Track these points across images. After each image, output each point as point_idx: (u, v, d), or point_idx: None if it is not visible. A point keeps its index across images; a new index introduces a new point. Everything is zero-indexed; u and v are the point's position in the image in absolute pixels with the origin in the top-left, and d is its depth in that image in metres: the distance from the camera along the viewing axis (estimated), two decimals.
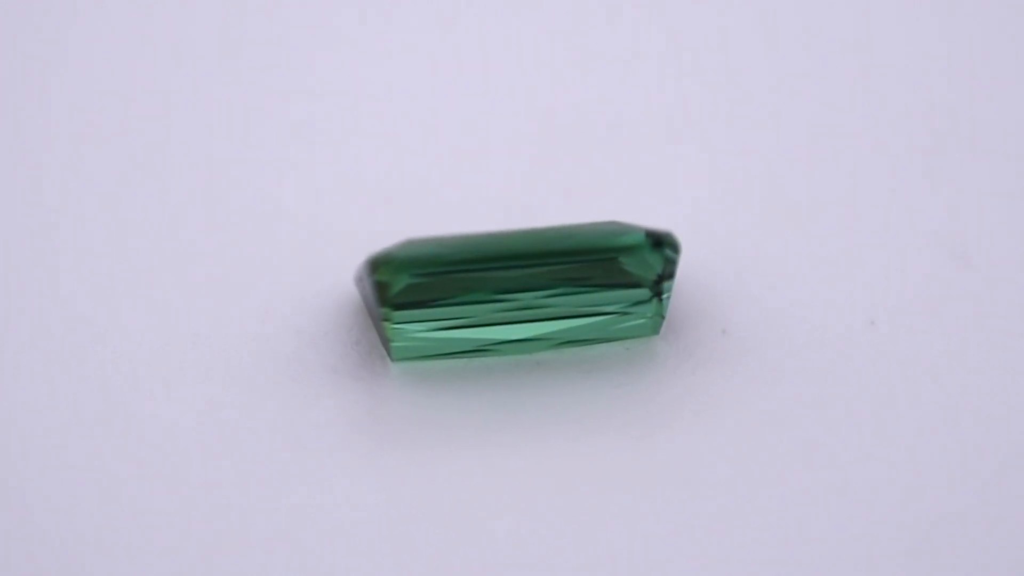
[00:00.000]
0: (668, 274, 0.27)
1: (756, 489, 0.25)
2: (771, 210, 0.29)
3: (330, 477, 0.26)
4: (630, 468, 0.26)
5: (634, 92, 0.32)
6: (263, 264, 0.29)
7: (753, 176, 0.30)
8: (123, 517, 0.25)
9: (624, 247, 0.27)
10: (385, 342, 0.27)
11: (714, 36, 0.33)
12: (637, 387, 0.27)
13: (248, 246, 0.29)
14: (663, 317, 0.27)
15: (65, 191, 0.30)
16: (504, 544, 0.25)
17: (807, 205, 0.30)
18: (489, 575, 0.25)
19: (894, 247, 0.29)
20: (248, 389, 0.27)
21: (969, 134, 0.30)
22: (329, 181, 0.31)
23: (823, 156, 0.31)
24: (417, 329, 0.27)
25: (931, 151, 0.30)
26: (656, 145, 0.31)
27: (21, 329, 0.27)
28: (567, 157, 0.31)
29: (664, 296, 0.27)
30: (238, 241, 0.30)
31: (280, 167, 0.31)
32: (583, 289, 0.27)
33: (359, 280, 0.27)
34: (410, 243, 0.27)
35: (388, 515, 0.25)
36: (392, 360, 0.27)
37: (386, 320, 0.27)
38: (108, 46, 0.33)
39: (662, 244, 0.27)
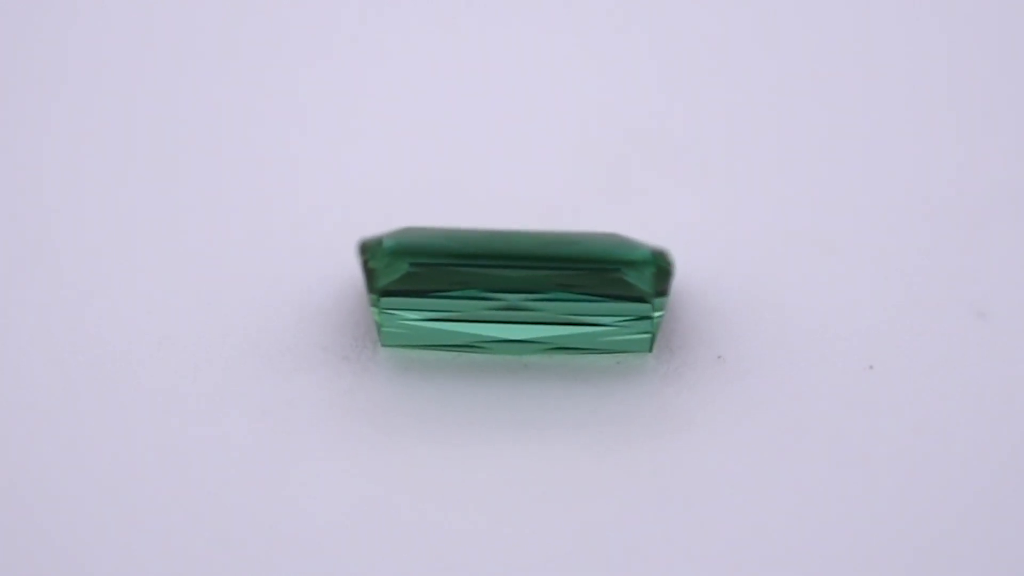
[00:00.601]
0: (663, 292, 0.26)
1: (727, 516, 0.25)
2: (786, 238, 0.29)
3: (301, 453, 0.26)
4: (601, 477, 0.26)
5: (647, 108, 0.32)
6: (269, 243, 0.29)
7: (768, 203, 0.30)
8: (103, 491, 0.25)
9: (628, 261, 0.26)
10: (377, 326, 0.27)
11: (725, 59, 0.33)
12: (621, 402, 0.26)
13: (254, 226, 0.30)
14: (654, 335, 0.27)
15: (65, 173, 0.31)
16: (462, 535, 0.25)
17: (821, 236, 0.29)
18: (444, 559, 0.25)
19: (901, 285, 0.28)
20: (236, 360, 0.27)
21: (994, 181, 0.30)
22: (336, 167, 0.31)
23: (833, 186, 0.30)
24: (406, 317, 0.27)
25: (949, 196, 0.30)
26: (665, 162, 0.31)
27: (20, 306, 0.28)
28: (572, 166, 0.31)
29: (658, 314, 0.26)
30: (244, 221, 0.30)
31: (288, 151, 0.32)
32: (579, 297, 0.26)
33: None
34: (407, 231, 0.27)
35: (355, 493, 0.25)
36: (382, 345, 0.27)
37: (374, 306, 0.26)
38: (108, 39, 0.33)
39: (662, 261, 0.27)
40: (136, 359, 0.27)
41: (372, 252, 0.27)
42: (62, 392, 0.26)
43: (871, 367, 0.26)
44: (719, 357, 0.27)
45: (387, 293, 0.26)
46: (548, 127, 0.32)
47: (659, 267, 0.26)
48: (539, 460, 0.26)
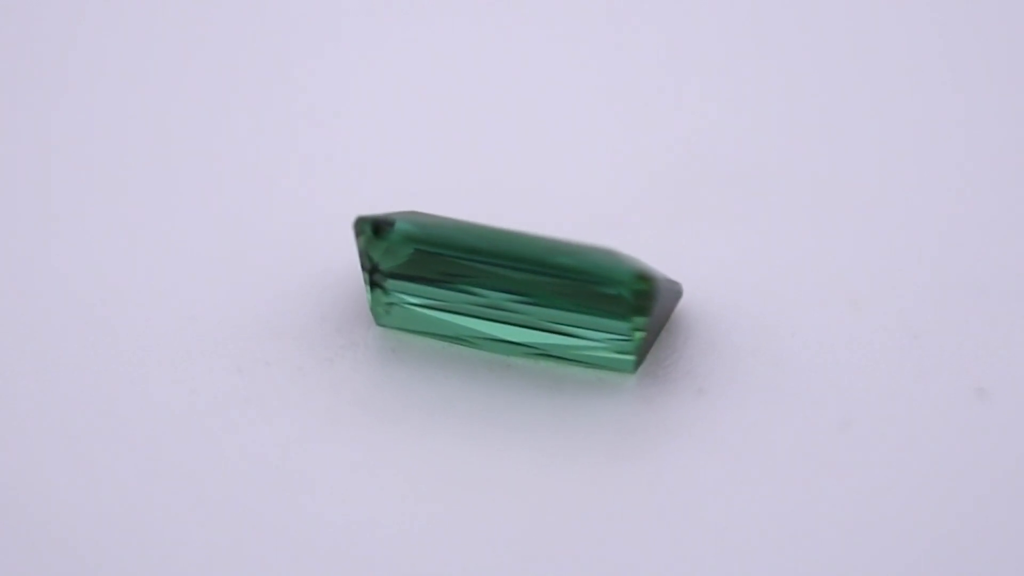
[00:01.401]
0: (642, 312, 0.26)
1: (678, 548, 0.25)
2: (801, 285, 0.28)
3: (287, 431, 0.26)
4: (557, 485, 0.26)
5: (685, 133, 0.32)
6: (261, 225, 0.30)
7: (791, 250, 0.29)
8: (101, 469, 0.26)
9: (608, 277, 0.26)
10: (371, 305, 0.27)
11: (748, 92, 0.32)
12: (591, 416, 0.26)
13: (246, 206, 0.30)
14: (638, 357, 0.27)
15: (71, 159, 0.31)
16: (413, 521, 0.25)
17: (839, 290, 0.29)
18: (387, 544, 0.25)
19: (897, 349, 0.27)
20: (232, 325, 0.28)
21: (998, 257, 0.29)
22: (346, 150, 0.31)
23: (855, 242, 0.29)
24: (402, 300, 0.27)
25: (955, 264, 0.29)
26: (704, 193, 0.31)
27: (30, 291, 0.28)
28: (606, 179, 0.31)
29: (638, 334, 0.26)
30: (239, 201, 0.30)
31: (299, 135, 0.32)
32: (563, 306, 0.26)
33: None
34: (414, 215, 0.27)
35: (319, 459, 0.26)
36: (376, 323, 0.27)
37: (372, 285, 0.27)
38: (114, 20, 0.34)
39: (642, 283, 0.26)
40: (125, 337, 0.27)
41: (377, 231, 0.27)
42: (64, 370, 0.27)
43: (848, 423, 0.26)
44: (699, 390, 0.27)
45: (378, 272, 0.27)
46: (589, 137, 0.32)
47: (639, 288, 0.26)
48: (500, 459, 0.26)
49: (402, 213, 0.27)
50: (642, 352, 0.27)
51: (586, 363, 0.27)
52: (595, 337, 0.26)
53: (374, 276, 0.27)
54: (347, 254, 0.29)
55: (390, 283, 0.27)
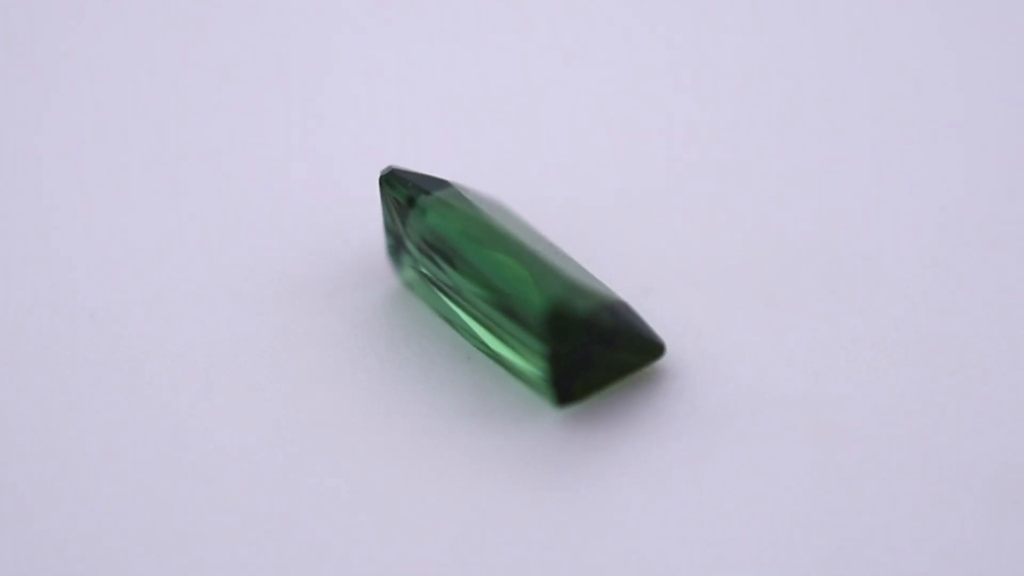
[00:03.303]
0: (551, 339, 0.26)
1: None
2: (775, 349, 0.28)
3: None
4: (470, 480, 0.26)
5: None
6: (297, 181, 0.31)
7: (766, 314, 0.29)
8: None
9: (530, 300, 0.26)
10: (391, 261, 0.29)
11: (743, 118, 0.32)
12: (516, 423, 0.27)
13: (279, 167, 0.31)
14: (556, 389, 0.26)
15: (96, 128, 0.32)
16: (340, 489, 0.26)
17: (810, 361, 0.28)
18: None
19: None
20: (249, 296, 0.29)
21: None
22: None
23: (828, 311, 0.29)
24: (404, 259, 0.28)
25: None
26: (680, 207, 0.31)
27: (49, 253, 0.29)
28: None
29: (542, 364, 0.26)
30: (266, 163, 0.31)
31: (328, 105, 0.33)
32: (510, 315, 0.26)
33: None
34: (449, 194, 0.27)
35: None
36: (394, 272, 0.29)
37: (386, 230, 0.28)
38: (115, 21, 0.34)
39: (560, 311, 0.26)
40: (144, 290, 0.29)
41: (415, 197, 0.27)
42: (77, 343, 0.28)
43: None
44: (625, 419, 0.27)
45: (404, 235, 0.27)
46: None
47: (553, 315, 0.25)
48: (419, 445, 0.27)
49: (429, 180, 0.28)
50: (565, 385, 0.26)
51: (519, 375, 0.27)
52: (515, 346, 0.26)
53: (392, 229, 0.28)
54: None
55: (405, 240, 0.28)
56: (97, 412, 0.27)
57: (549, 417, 0.27)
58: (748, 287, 0.29)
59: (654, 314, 0.28)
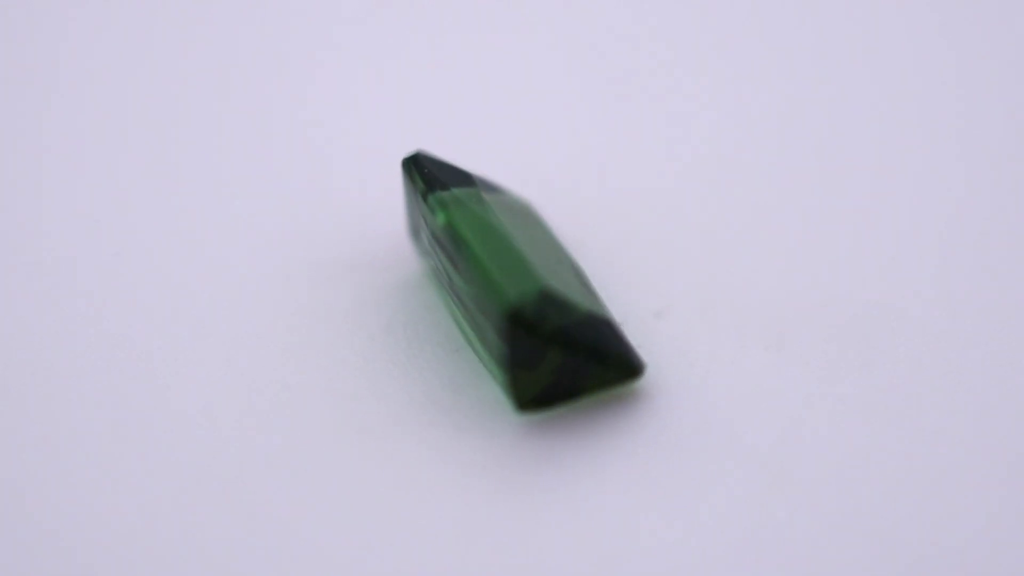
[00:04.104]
0: (508, 341, 0.25)
1: None
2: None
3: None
4: (436, 486, 0.26)
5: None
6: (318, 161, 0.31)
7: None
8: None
9: (501, 295, 0.25)
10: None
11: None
12: (468, 432, 0.26)
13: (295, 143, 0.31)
14: (515, 394, 0.26)
15: (108, 121, 0.32)
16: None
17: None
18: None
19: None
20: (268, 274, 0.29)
21: None
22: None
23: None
24: (420, 244, 0.28)
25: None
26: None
27: (65, 256, 0.29)
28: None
29: (507, 370, 0.25)
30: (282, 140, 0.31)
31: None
32: (486, 315, 0.26)
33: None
34: (456, 194, 0.27)
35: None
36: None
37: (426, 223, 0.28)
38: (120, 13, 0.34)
39: (522, 315, 0.25)
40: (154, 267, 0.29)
41: (429, 192, 0.27)
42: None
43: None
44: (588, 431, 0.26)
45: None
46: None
47: (514, 319, 0.25)
48: (376, 430, 0.26)
49: (451, 172, 0.27)
50: (522, 391, 0.26)
51: (493, 376, 0.26)
52: (495, 356, 0.26)
53: (412, 214, 0.28)
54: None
55: (422, 228, 0.28)
56: (103, 396, 0.27)
57: (512, 422, 0.26)
58: (759, 327, 0.27)
59: (655, 336, 0.27)
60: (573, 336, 0.25)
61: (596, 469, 0.26)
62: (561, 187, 0.30)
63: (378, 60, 0.33)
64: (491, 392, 0.27)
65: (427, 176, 0.27)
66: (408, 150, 0.29)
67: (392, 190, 0.30)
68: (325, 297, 0.28)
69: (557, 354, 0.25)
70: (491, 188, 0.28)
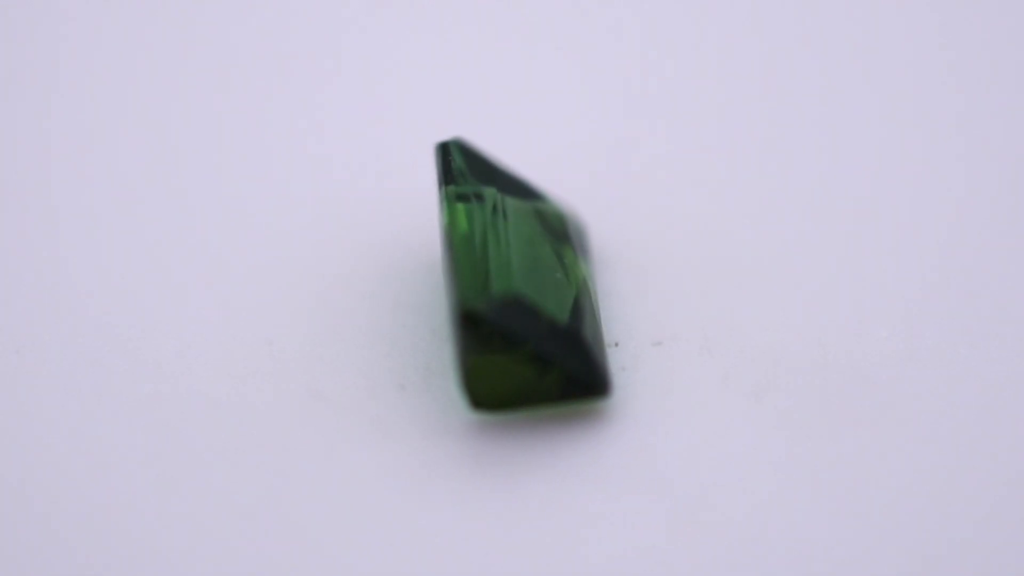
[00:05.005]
0: (458, 339, 0.25)
1: None
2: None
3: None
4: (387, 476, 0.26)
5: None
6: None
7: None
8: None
9: (467, 290, 0.25)
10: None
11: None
12: (434, 426, 0.26)
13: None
14: (468, 392, 0.25)
15: (130, 132, 0.32)
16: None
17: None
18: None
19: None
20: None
21: None
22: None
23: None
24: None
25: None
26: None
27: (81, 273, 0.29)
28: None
29: (460, 367, 0.25)
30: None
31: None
32: (452, 311, 0.26)
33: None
34: (471, 191, 0.27)
35: None
36: None
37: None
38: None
39: (475, 319, 0.25)
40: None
41: (444, 184, 0.27)
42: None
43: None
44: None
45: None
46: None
47: (468, 317, 0.25)
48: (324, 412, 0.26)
49: (483, 168, 0.27)
50: (474, 389, 0.25)
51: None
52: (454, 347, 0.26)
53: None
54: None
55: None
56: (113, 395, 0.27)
57: (464, 420, 0.26)
58: (749, 374, 0.27)
59: (646, 364, 0.27)
60: (531, 344, 0.25)
61: (530, 480, 0.25)
62: (602, 208, 0.30)
63: (426, 47, 0.33)
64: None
65: (449, 166, 0.27)
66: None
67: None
68: (338, 271, 0.28)
69: (508, 359, 0.25)
70: (520, 189, 0.28)
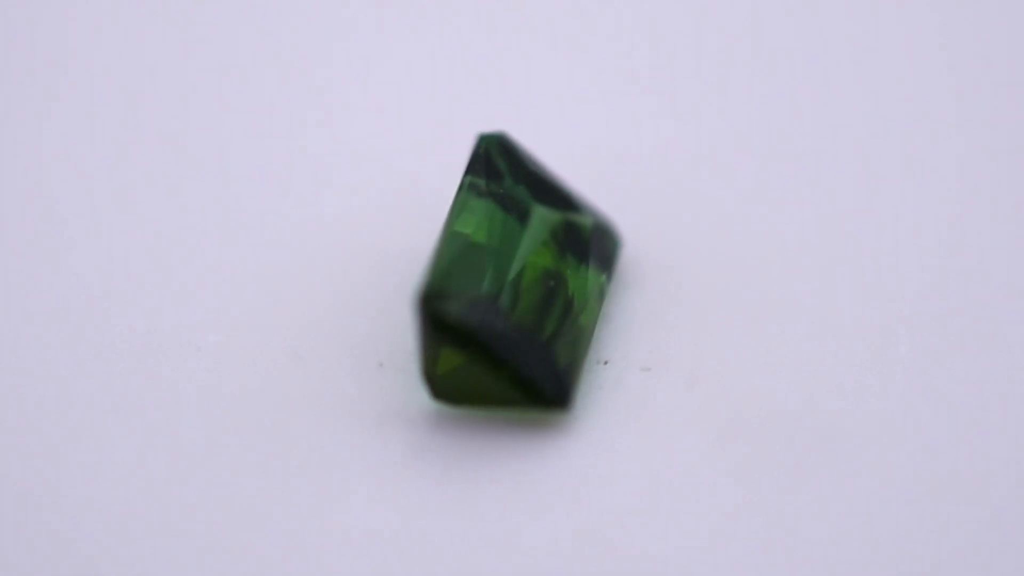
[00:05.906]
0: (417, 327, 0.25)
1: None
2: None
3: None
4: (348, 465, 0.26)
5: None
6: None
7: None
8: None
9: (433, 283, 0.25)
10: None
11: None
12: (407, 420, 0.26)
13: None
14: (428, 382, 0.25)
15: (133, 133, 0.32)
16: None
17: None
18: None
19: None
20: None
21: None
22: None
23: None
24: None
25: None
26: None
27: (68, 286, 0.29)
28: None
29: (418, 359, 0.25)
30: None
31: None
32: None
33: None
34: (485, 186, 0.27)
35: None
36: None
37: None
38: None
39: (434, 306, 0.25)
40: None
41: (473, 176, 0.27)
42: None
43: None
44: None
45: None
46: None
47: (423, 304, 0.25)
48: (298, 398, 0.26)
49: (520, 168, 0.27)
50: (432, 380, 0.25)
51: None
52: None
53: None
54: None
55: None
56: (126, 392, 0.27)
57: (425, 408, 0.26)
58: (719, 418, 0.26)
59: (627, 388, 0.26)
60: (483, 343, 0.25)
61: (468, 474, 0.25)
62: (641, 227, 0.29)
63: (451, 49, 0.33)
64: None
65: (478, 156, 0.27)
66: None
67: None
68: (346, 257, 0.28)
69: (456, 353, 0.25)
70: (553, 195, 0.27)
